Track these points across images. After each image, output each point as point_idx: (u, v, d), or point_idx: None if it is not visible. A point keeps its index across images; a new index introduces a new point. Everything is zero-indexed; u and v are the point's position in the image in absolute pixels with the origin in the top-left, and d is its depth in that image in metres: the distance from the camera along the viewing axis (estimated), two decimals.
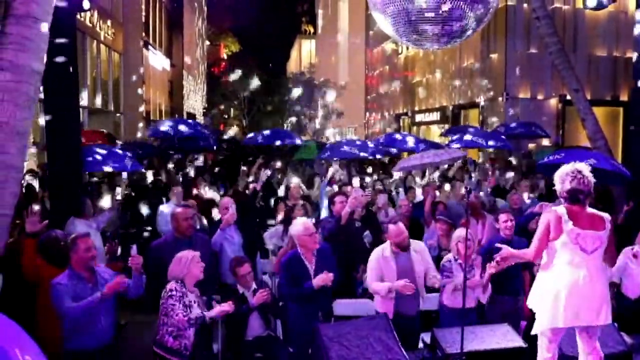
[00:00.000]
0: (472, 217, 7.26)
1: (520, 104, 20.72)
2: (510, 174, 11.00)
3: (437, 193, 8.78)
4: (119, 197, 8.07)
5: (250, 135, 18.06)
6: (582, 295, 3.88)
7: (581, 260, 3.92)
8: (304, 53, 64.76)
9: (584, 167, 4.03)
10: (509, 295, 5.71)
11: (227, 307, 4.52)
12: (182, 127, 13.82)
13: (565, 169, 4.05)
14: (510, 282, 5.67)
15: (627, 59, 19.61)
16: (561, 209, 4.01)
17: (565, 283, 3.90)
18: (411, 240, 5.43)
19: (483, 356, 4.47)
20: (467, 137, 14.16)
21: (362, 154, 12.75)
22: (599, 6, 8.71)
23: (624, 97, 20.63)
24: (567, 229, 3.93)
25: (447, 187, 9.25)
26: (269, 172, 8.87)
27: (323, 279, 4.91)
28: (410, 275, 5.19)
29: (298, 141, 16.66)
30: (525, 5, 19.32)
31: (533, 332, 4.09)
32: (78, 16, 8.60)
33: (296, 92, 29.50)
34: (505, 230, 5.85)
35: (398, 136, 16.28)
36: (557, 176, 4.09)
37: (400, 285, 4.99)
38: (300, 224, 5.22)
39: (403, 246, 5.25)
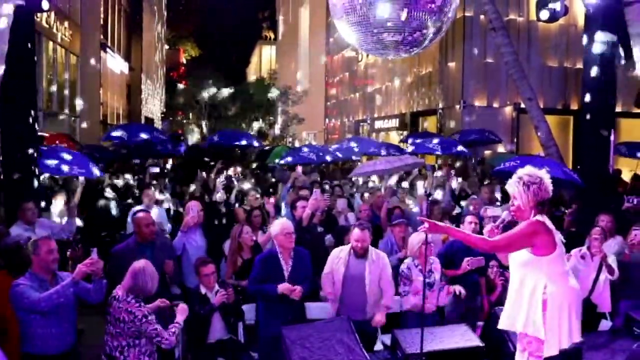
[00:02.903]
0: None
1: (477, 111, 21.25)
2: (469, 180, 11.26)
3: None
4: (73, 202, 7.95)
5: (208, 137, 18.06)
6: (581, 304, 3.76)
7: (568, 268, 3.77)
8: (264, 59, 64.67)
9: (545, 174, 3.75)
10: (466, 297, 5.85)
11: (185, 307, 4.50)
12: (137, 132, 13.70)
13: (530, 176, 3.71)
14: (468, 284, 5.83)
15: (577, 69, 20.35)
16: (545, 219, 3.69)
17: (574, 296, 3.69)
18: (374, 249, 5.51)
19: (442, 356, 4.58)
20: (425, 143, 14.50)
21: (321, 159, 12.92)
22: (551, 19, 9.04)
23: (574, 106, 21.38)
24: (558, 240, 3.69)
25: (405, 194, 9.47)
26: (224, 181, 8.89)
27: (288, 288, 4.97)
28: (358, 282, 5.30)
29: (255, 143, 16.76)
30: (482, 16, 19.84)
31: (546, 356, 3.65)
32: (35, 16, 8.43)
33: (263, 95, 29.50)
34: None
35: (354, 143, 16.54)
36: (523, 183, 3.69)
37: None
38: (279, 223, 5.30)
39: (359, 253, 5.35)
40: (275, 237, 5.25)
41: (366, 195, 9.42)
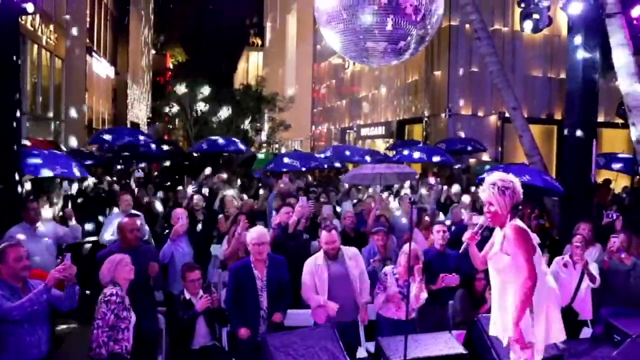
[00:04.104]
0: (419, 231, 7.48)
1: (462, 120, 21.42)
2: (455, 188, 11.28)
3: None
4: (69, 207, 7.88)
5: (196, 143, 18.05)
6: (559, 304, 3.84)
7: (545, 270, 3.87)
8: (251, 65, 64.68)
9: (514, 178, 3.79)
10: (438, 305, 5.86)
11: None
12: (124, 135, 13.71)
13: (503, 181, 3.73)
14: (440, 292, 5.80)
15: (561, 79, 20.62)
16: (521, 223, 3.77)
17: (554, 295, 3.78)
18: (343, 247, 5.52)
19: None
20: (411, 151, 14.59)
21: (305, 166, 12.95)
22: (535, 29, 9.18)
23: (557, 116, 21.64)
24: (535, 242, 3.79)
25: (392, 202, 9.54)
26: (195, 187, 8.83)
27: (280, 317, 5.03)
28: (344, 281, 5.33)
29: (242, 146, 16.79)
30: (467, 25, 20.03)
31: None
32: (19, 19, 8.38)
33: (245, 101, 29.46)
34: (439, 241, 6.00)
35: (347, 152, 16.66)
36: (498, 188, 3.71)
37: (331, 306, 5.13)
38: (253, 231, 5.28)
39: (331, 255, 5.36)
40: (248, 244, 5.26)
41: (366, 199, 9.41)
